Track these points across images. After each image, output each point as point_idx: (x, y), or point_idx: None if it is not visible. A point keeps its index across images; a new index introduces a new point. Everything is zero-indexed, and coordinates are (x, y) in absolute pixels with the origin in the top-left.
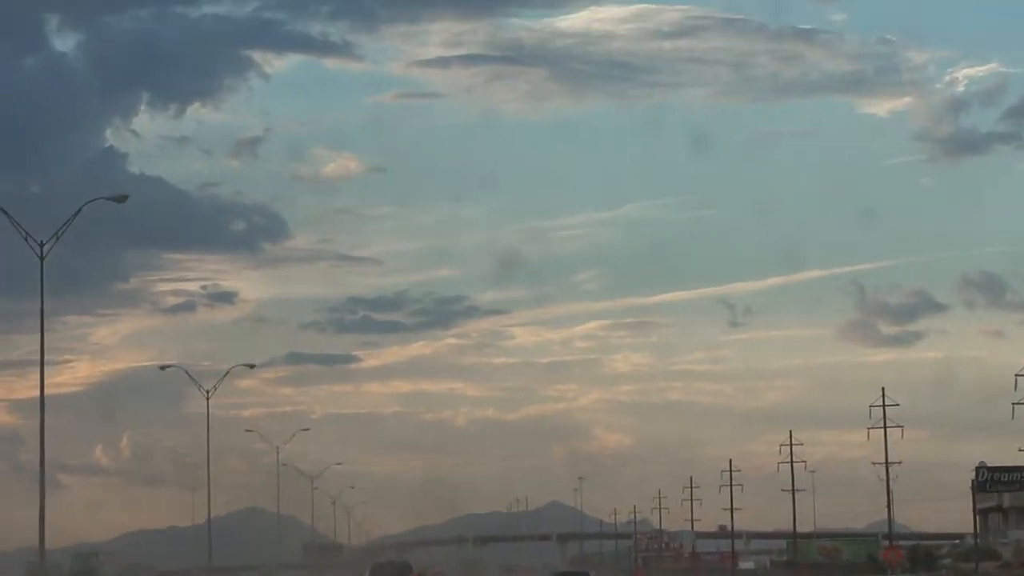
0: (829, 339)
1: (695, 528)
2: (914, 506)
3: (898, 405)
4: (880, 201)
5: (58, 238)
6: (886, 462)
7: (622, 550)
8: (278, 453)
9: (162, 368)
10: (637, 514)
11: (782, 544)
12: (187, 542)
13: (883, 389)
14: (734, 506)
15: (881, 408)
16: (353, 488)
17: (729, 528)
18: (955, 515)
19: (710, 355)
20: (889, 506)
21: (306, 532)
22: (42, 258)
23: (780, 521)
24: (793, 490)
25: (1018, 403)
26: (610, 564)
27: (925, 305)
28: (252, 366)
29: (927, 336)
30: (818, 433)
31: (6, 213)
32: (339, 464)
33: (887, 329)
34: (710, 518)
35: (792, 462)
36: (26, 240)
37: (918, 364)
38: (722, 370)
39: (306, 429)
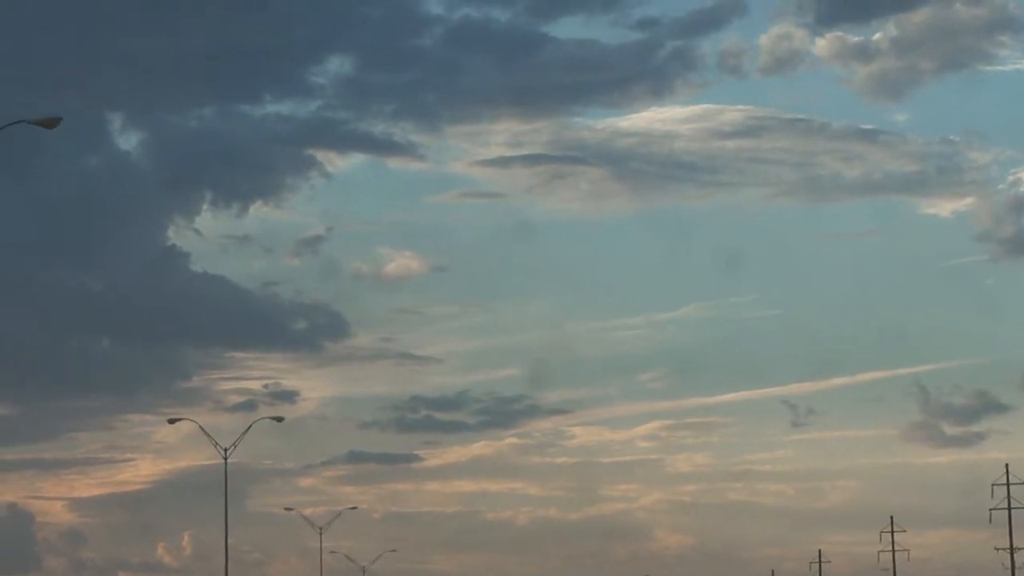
0: (892, 439)
1: None
2: None
3: None
4: (942, 302)
5: None
6: (1011, 547)
7: None
8: (321, 534)
9: (170, 422)
10: None
11: None
12: None
13: (1007, 466)
14: None
15: (998, 489)
16: None
17: None
18: None
19: (772, 455)
20: None
21: None
22: None
23: None
24: None
25: None
26: None
27: (988, 406)
28: (280, 419)
29: (990, 437)
30: (887, 533)
31: None
32: (393, 551)
33: (950, 430)
34: None
35: (894, 550)
36: None
37: (982, 465)
38: (784, 470)
39: (353, 508)
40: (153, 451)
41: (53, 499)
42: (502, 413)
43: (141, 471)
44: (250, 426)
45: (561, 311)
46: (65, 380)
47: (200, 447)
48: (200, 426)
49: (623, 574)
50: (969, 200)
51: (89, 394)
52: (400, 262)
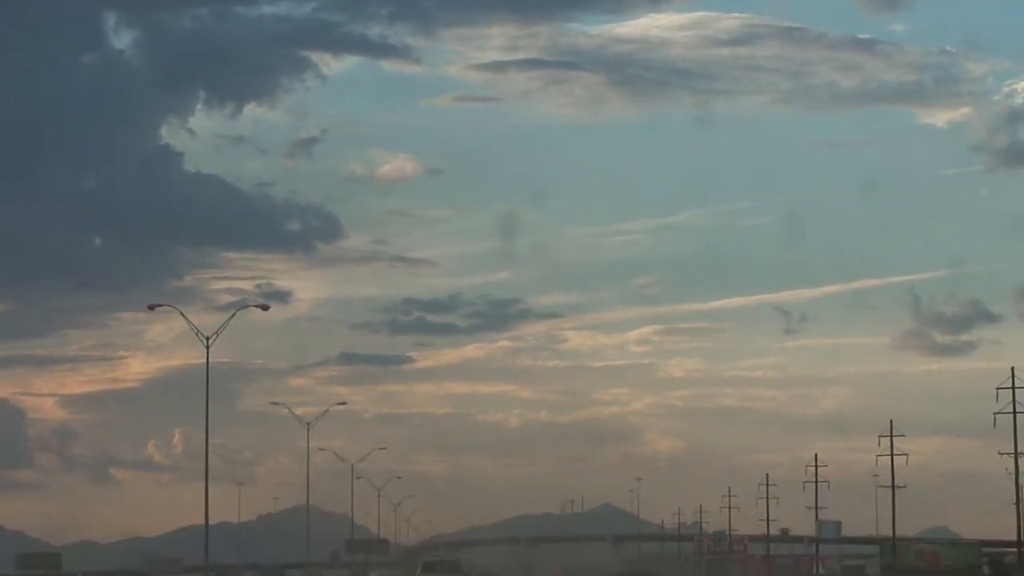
0: (884, 348)
1: (758, 531)
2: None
3: None
4: (937, 211)
5: None
6: (1015, 452)
7: (683, 553)
8: (308, 431)
9: (150, 308)
10: (703, 514)
11: (859, 550)
12: (235, 538)
13: (1012, 369)
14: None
15: (1002, 394)
16: (400, 479)
17: (791, 532)
18: None
19: (765, 362)
20: (1019, 503)
21: (359, 531)
22: None
23: (851, 526)
24: (893, 486)
25: None
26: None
27: (979, 316)
28: (266, 307)
29: (981, 346)
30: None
31: None
32: (383, 448)
33: (941, 339)
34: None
35: (892, 454)
36: None
37: (973, 373)
38: (776, 377)
39: (343, 403)
40: (145, 349)
41: (44, 395)
42: (495, 316)
43: (133, 369)
44: (234, 313)
45: (555, 215)
46: (58, 277)
47: (191, 346)
48: (181, 313)
49: (614, 477)
50: (965, 111)
51: (81, 291)
52: (394, 164)
